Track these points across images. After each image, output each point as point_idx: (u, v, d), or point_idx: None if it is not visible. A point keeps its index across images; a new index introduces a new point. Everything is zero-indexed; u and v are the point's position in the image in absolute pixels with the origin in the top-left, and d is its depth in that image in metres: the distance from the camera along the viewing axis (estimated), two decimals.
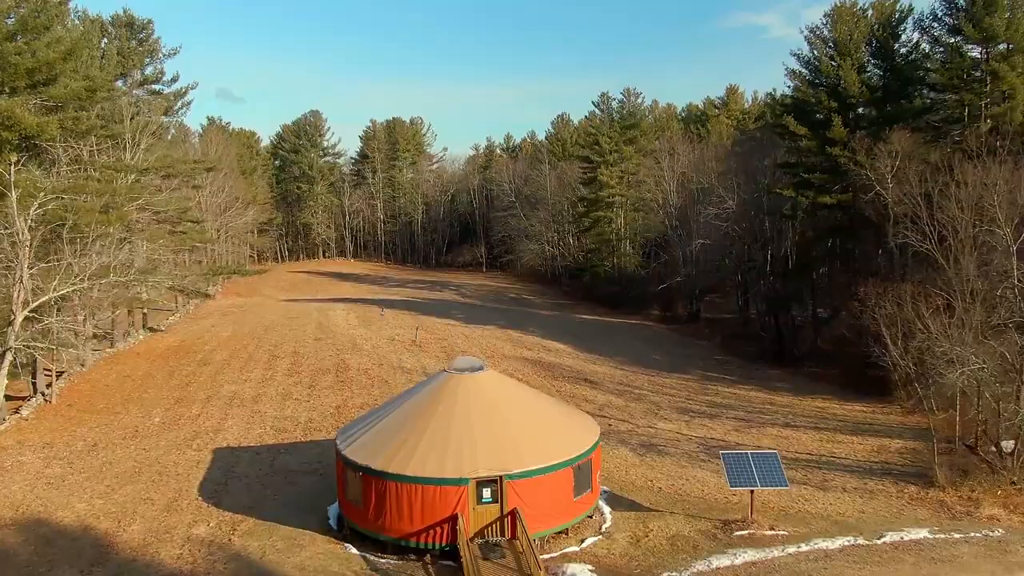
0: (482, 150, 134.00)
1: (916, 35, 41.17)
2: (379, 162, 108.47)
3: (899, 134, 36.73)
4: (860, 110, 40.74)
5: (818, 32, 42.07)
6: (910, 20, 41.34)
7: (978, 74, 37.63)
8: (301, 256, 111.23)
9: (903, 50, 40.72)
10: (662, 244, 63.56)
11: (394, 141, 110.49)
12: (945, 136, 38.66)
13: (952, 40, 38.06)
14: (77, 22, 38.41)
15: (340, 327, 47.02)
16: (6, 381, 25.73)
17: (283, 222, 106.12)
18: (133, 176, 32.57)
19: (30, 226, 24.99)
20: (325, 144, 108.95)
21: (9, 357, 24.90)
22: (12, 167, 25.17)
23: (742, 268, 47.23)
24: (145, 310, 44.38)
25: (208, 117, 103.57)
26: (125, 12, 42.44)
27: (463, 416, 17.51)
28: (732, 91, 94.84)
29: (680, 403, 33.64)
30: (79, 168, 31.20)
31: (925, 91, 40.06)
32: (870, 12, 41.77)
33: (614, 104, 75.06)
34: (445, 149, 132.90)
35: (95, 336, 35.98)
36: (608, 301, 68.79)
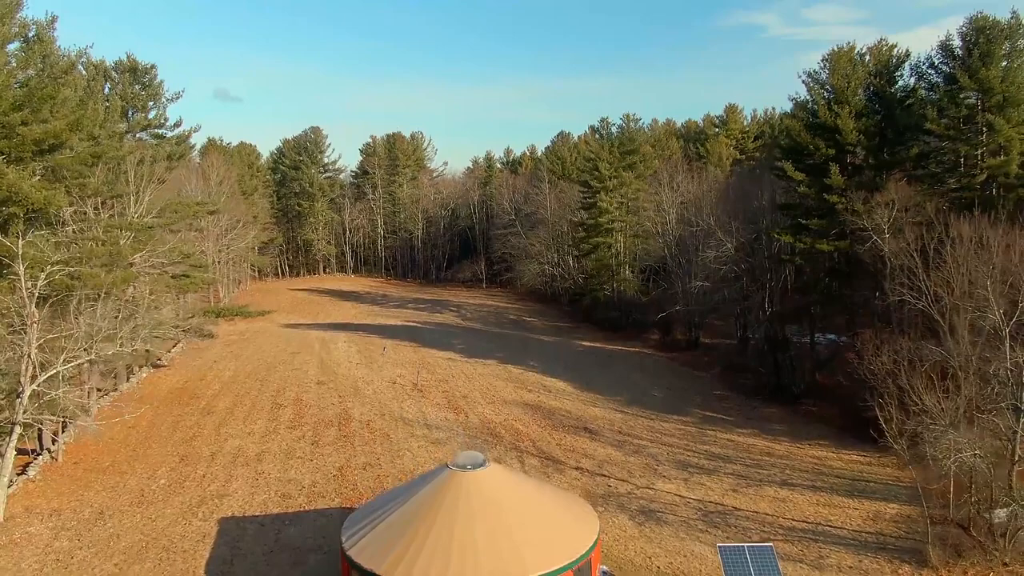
0: (481, 161, 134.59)
1: (913, 80, 41.68)
2: (379, 178, 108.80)
3: (896, 184, 37.14)
4: (857, 156, 41.05)
5: (816, 76, 42.47)
6: (907, 66, 41.88)
7: (974, 124, 38.04)
8: (302, 272, 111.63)
9: (900, 95, 41.07)
10: (662, 272, 63.94)
11: (394, 157, 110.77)
12: (942, 184, 39.01)
13: (948, 88, 38.40)
14: (82, 70, 38.80)
15: (342, 366, 47.39)
16: (14, 453, 26.09)
17: (284, 238, 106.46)
18: (137, 231, 32.92)
19: (37, 300, 25.33)
20: (326, 160, 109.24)
21: (18, 431, 25.26)
22: (20, 240, 25.51)
23: (741, 305, 47.60)
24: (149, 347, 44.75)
25: (208, 138, 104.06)
26: (128, 57, 42.94)
27: (465, 519, 17.88)
28: (731, 110, 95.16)
29: (679, 455, 34.01)
30: (84, 224, 31.57)
31: (922, 137, 40.35)
32: (867, 57, 42.18)
33: (613, 129, 75.46)
34: (445, 163, 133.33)
35: (100, 373, 36.40)
36: (607, 325, 69.25)
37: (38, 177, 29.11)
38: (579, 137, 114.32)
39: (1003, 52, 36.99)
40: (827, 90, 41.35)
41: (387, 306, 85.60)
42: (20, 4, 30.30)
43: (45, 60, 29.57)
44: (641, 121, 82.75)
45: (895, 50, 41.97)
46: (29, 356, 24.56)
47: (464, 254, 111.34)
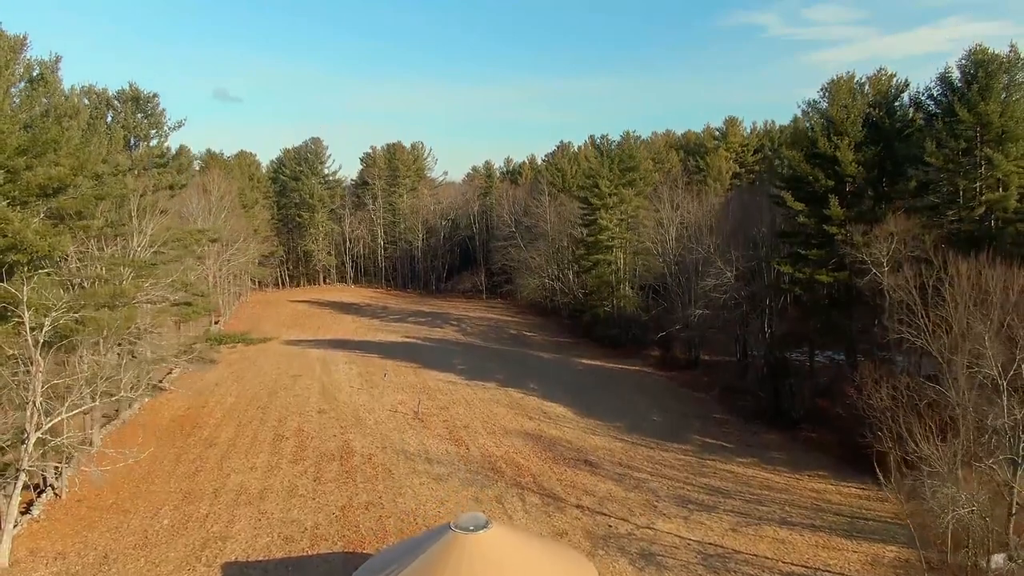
0: (481, 168, 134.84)
1: (912, 110, 41.86)
2: (379, 188, 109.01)
3: (895, 217, 37.37)
4: (857, 186, 41.23)
5: (815, 106, 42.66)
6: (906, 96, 42.10)
7: (973, 157, 38.24)
8: (302, 282, 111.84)
9: (899, 125, 41.24)
10: (661, 290, 64.11)
11: (395, 168, 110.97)
12: (941, 216, 39.22)
13: (947, 120, 38.57)
14: (85, 100, 38.99)
15: (343, 391, 47.59)
16: (19, 499, 26.26)
17: (284, 249, 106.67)
18: (140, 267, 33.10)
19: (42, 346, 25.49)
20: (326, 171, 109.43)
21: (23, 478, 25.44)
22: (24, 286, 25.67)
23: (741, 330, 47.81)
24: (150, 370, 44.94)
25: (208, 149, 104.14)
26: (131, 87, 43.20)
27: None
28: (731, 123, 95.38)
29: (679, 488, 34.20)
30: (86, 261, 31.75)
31: (921, 167, 40.53)
32: (867, 86, 42.37)
33: (613, 145, 75.64)
34: (445, 173, 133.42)
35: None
36: (607, 342, 69.50)
37: (41, 216, 29.29)
38: (579, 147, 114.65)
39: (1001, 86, 37.19)
40: (826, 120, 41.54)
41: (387, 320, 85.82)
42: (24, 44, 30.51)
43: (50, 100, 29.74)
44: (640, 136, 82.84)
45: (894, 80, 42.21)
46: (34, 403, 24.74)
47: (464, 265, 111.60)
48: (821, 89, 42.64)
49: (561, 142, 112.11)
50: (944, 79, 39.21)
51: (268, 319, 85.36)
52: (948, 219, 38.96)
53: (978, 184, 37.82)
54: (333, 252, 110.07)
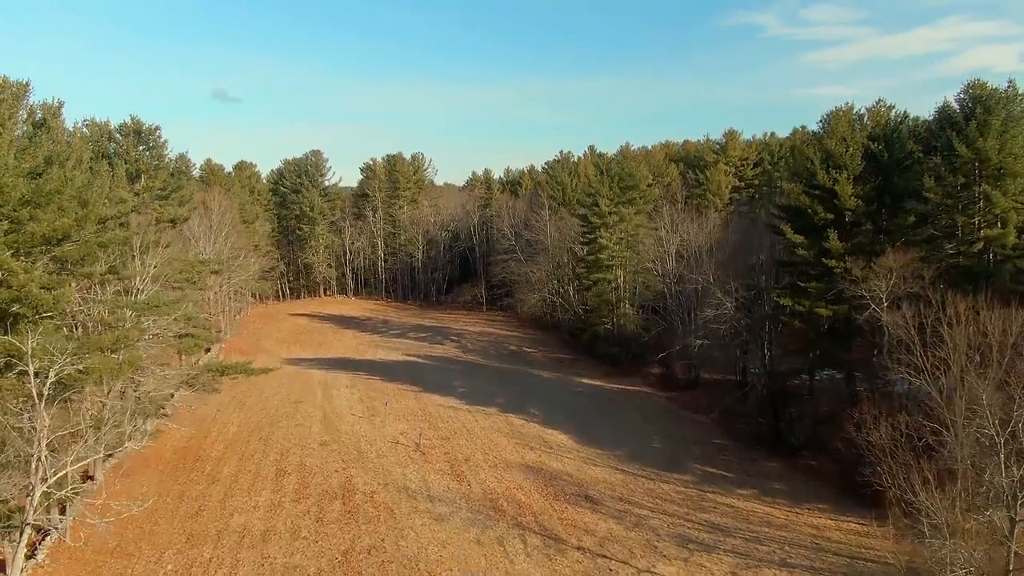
0: (480, 175, 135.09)
1: (911, 143, 42.00)
2: (379, 200, 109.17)
3: (893, 253, 37.57)
4: (855, 219, 41.42)
5: (815, 137, 42.83)
6: (905, 128, 42.22)
7: (971, 192, 38.43)
8: (303, 294, 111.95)
9: (898, 156, 41.38)
10: (661, 311, 64.27)
11: (395, 180, 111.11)
12: (940, 250, 39.37)
13: (946, 155, 38.75)
14: (86, 130, 39.13)
15: (345, 420, 47.78)
16: (25, 550, 26.44)
17: (284, 261, 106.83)
18: (143, 309, 33.29)
19: (47, 398, 25.64)
20: (326, 184, 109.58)
21: (28, 532, 25.61)
22: (29, 339, 25.82)
23: (740, 360, 48.01)
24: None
25: (208, 161, 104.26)
26: (133, 120, 43.28)
27: None
28: (731, 136, 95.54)
29: (679, 526, 34.37)
30: (88, 305, 31.92)
31: (920, 203, 40.67)
32: (866, 118, 42.55)
33: (611, 157, 75.79)
34: (446, 183, 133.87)
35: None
36: (608, 359, 69.71)
37: (44, 263, 29.44)
38: (580, 157, 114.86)
39: (999, 121, 37.35)
40: (825, 153, 41.69)
41: (387, 335, 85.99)
42: (27, 90, 30.69)
43: (53, 146, 29.89)
44: (643, 145, 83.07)
45: (893, 112, 42.39)
46: (39, 459, 24.90)
47: (464, 277, 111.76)
48: (820, 120, 42.89)
49: (561, 152, 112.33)
50: (943, 113, 39.40)
51: (269, 335, 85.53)
52: (947, 252, 39.13)
53: (976, 219, 38.01)
54: (333, 264, 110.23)
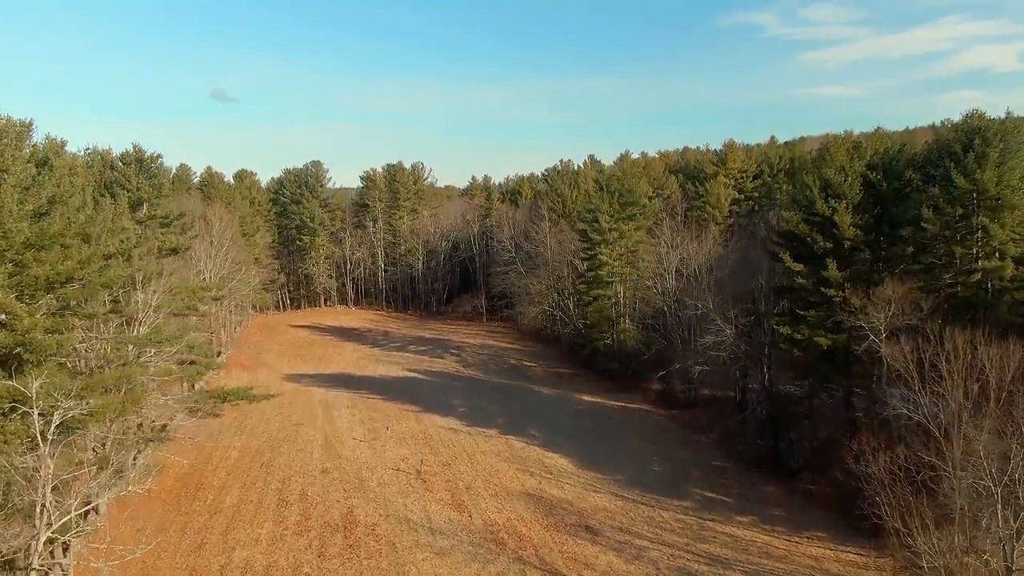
0: (480, 180, 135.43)
1: (910, 172, 42.20)
2: (379, 211, 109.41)
3: (892, 283, 37.78)
4: (854, 247, 41.59)
5: (814, 165, 43.00)
6: (904, 156, 42.41)
7: (969, 222, 38.61)
8: (303, 304, 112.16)
9: (896, 184, 41.55)
10: (661, 329, 64.49)
11: (395, 191, 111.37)
12: (938, 280, 39.56)
13: (944, 185, 38.92)
14: (85, 157, 39.28)
15: (346, 444, 48.00)
16: None
17: (285, 271, 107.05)
18: (145, 344, 33.51)
19: (51, 442, 25.82)
20: (326, 195, 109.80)
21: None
22: (34, 383, 25.99)
23: (740, 383, 48.27)
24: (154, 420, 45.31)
25: (208, 169, 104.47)
26: (135, 148, 43.48)
27: None
28: (730, 147, 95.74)
29: (678, 557, 34.59)
30: (91, 342, 32.11)
31: (919, 229, 40.86)
32: (864, 147, 42.72)
33: (611, 172, 76.00)
34: (447, 186, 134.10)
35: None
36: (608, 375, 69.94)
37: (48, 299, 29.60)
38: (579, 167, 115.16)
39: (997, 153, 37.53)
40: (824, 182, 41.85)
41: (388, 348, 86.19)
42: (30, 129, 30.85)
43: (56, 189, 30.04)
44: (646, 153, 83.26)
45: (890, 140, 42.56)
46: (44, 506, 25.08)
47: (465, 287, 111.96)
48: (819, 149, 43.02)
49: (561, 160, 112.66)
50: (941, 144, 39.58)
51: (270, 348, 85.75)
52: (945, 282, 39.31)
53: (974, 250, 38.20)
54: (334, 274, 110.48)
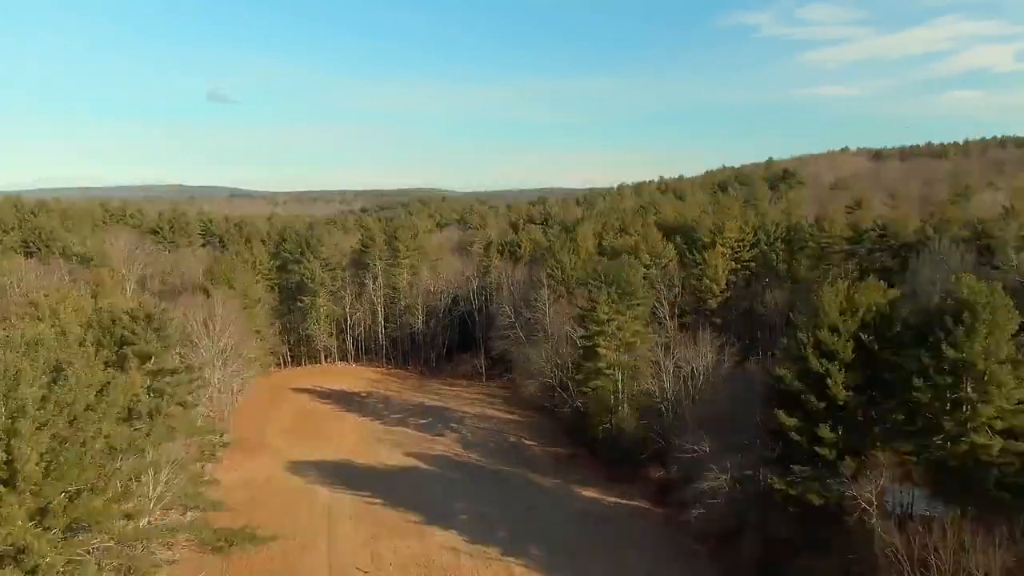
0: (476, 211, 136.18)
1: (902, 328, 43.09)
2: (379, 269, 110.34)
3: (885, 454, 38.82)
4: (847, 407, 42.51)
5: (807, 323, 43.88)
6: (897, 315, 43.32)
7: (958, 394, 39.50)
8: (304, 360, 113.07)
9: (888, 348, 42.38)
10: (658, 428, 65.45)
11: (395, 248, 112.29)
12: (928, 447, 40.42)
13: (933, 356, 39.72)
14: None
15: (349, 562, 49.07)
16: None
17: (284, 332, 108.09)
18: (158, 535, 34.42)
19: None
20: (326, 254, 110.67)
21: None
22: None
23: (738, 520, 49.22)
24: None
25: (210, 221, 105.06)
26: (140, 305, 44.21)
27: None
28: (727, 214, 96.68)
29: None
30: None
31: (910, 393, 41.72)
32: (858, 299, 43.59)
33: (608, 251, 76.90)
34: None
35: None
36: (607, 461, 71.04)
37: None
38: (578, 217, 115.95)
39: (986, 327, 38.36)
40: (816, 339, 42.68)
41: (388, 421, 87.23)
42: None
43: (73, 406, 30.89)
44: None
45: (883, 295, 43.46)
46: None
47: (464, 342, 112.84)
48: (813, 297, 43.92)
49: (554, 192, 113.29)
50: (932, 314, 40.47)
51: (272, 421, 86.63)
52: (936, 448, 40.17)
53: (965, 422, 39.08)
54: (334, 332, 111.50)
